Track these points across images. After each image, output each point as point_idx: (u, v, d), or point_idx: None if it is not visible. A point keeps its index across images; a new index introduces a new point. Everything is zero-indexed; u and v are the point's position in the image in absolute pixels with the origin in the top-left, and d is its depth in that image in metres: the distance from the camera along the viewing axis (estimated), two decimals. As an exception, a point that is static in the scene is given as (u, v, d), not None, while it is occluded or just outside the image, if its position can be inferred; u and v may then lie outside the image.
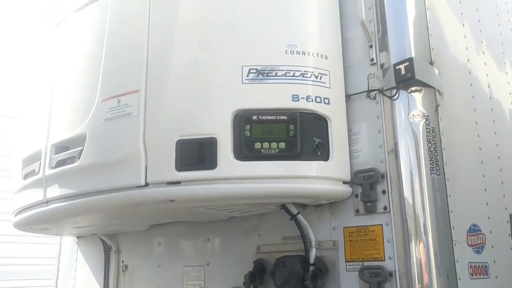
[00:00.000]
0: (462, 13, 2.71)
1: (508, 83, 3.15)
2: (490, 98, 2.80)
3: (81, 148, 2.30)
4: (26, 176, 2.73)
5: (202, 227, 2.81)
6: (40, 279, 8.64)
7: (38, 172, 2.57)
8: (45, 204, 2.50)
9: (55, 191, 2.43)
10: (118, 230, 3.31)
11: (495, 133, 2.75)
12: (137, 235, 3.24)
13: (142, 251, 3.20)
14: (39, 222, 2.73)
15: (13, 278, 8.84)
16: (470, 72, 2.62)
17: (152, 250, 3.13)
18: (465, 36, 2.67)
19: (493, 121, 2.76)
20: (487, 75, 2.83)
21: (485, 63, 2.84)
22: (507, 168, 2.76)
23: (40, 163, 2.56)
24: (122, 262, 3.34)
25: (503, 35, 3.20)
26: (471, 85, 2.61)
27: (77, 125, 2.37)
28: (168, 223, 2.99)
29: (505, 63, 3.18)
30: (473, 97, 2.59)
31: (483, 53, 2.85)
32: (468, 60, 2.64)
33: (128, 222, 2.97)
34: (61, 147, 2.47)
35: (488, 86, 2.83)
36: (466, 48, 2.65)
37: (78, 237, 3.79)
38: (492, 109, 2.78)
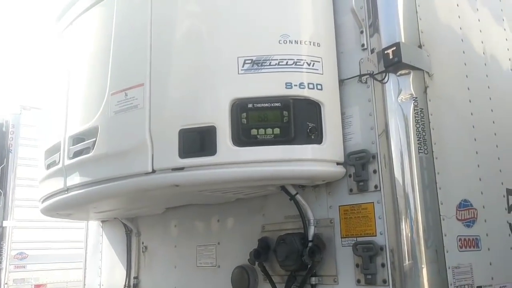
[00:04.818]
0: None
1: (510, 59, 3.18)
2: (486, 76, 2.85)
3: (94, 139, 2.50)
4: (48, 166, 2.96)
5: (213, 209, 2.99)
6: (70, 262, 9.12)
7: (59, 162, 2.78)
8: (66, 192, 2.72)
9: (74, 179, 2.65)
10: (137, 214, 3.54)
11: (491, 110, 2.80)
12: (154, 218, 3.46)
13: (159, 233, 3.42)
14: (63, 208, 2.96)
15: (44, 262, 9.37)
16: (464, 52, 2.68)
17: (168, 231, 3.34)
18: (459, 17, 2.72)
19: (490, 98, 2.81)
20: (483, 53, 2.88)
21: (481, 42, 2.88)
22: (505, 144, 2.82)
23: (60, 154, 2.78)
24: (142, 243, 3.57)
25: (504, 11, 3.22)
26: (465, 64, 2.66)
27: (90, 118, 2.57)
28: (182, 206, 3.19)
29: (506, 39, 3.20)
30: (466, 76, 2.65)
31: (480, 31, 2.89)
32: (462, 40, 2.69)
33: (144, 206, 3.17)
34: (77, 138, 2.68)
35: (485, 65, 2.87)
36: (460, 28, 2.70)
37: (103, 221, 4.05)
38: (489, 87, 2.83)
